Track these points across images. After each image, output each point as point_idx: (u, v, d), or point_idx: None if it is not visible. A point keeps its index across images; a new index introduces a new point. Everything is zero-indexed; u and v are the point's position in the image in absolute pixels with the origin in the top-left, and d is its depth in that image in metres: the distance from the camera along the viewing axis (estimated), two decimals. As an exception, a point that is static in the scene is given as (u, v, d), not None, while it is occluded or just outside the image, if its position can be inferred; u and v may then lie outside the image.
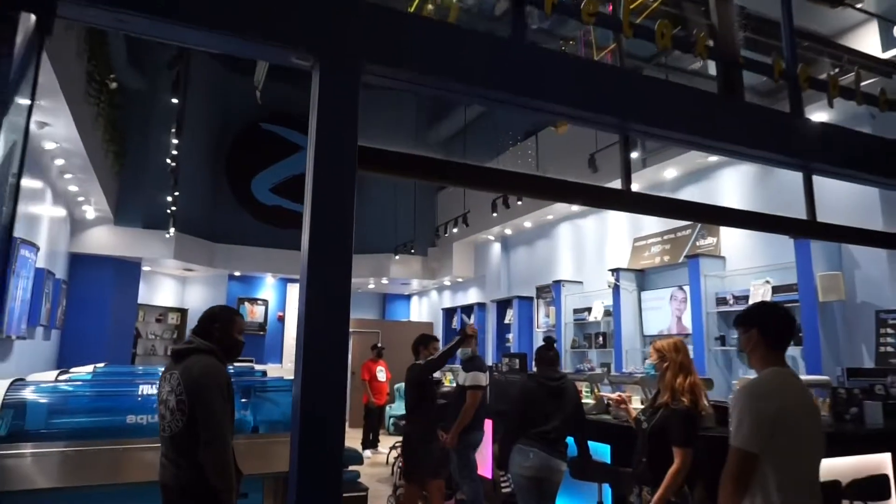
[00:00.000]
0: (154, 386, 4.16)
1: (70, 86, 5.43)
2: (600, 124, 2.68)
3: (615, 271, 7.76)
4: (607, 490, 4.47)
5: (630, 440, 4.54)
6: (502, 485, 4.24)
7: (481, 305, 11.47)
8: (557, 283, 9.00)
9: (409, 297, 15.62)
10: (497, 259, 11.20)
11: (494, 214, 8.95)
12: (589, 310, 8.54)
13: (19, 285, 6.47)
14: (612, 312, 7.82)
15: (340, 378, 2.01)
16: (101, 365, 7.30)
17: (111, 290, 10.36)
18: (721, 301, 6.44)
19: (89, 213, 9.66)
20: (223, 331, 2.94)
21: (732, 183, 6.77)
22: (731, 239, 6.68)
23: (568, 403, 4.10)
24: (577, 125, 2.60)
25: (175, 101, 9.58)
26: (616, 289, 7.71)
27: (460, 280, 12.51)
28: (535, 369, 4.30)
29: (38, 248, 7.02)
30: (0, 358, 6.41)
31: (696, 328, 6.52)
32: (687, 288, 6.94)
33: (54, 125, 5.94)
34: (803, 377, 4.29)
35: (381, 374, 10.20)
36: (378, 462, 9.01)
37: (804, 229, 3.07)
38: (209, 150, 12.27)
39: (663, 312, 7.35)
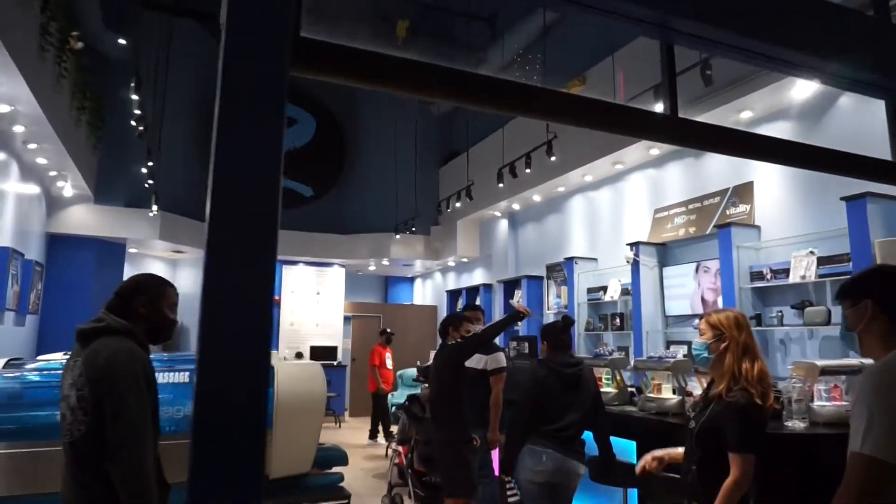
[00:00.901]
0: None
1: (9, 33, 4.73)
2: (633, 19, 1.94)
3: (634, 245, 7.04)
4: (633, 495, 3.79)
5: (660, 435, 3.85)
6: (508, 493, 3.59)
7: (487, 286, 10.79)
8: (570, 260, 8.29)
9: (412, 279, 14.95)
10: (504, 237, 10.48)
11: (501, 185, 8.22)
12: (604, 289, 7.83)
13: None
14: (631, 291, 7.10)
15: (259, 373, 1.30)
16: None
17: (93, 273, 9.73)
18: (756, 275, 5.71)
19: (66, 190, 9.00)
20: (150, 306, 2.29)
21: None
22: (767, 206, 5.93)
23: (586, 394, 3.41)
24: (598, 19, 1.78)
25: (156, 70, 8.88)
26: (635, 265, 6.99)
27: (465, 260, 11.82)
28: (543, 354, 3.60)
29: (-8, 224, 6.37)
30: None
31: (728, 306, 5.79)
32: (714, 263, 6.22)
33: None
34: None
35: (390, 360, 9.56)
36: (377, 455, 8.38)
37: (886, 172, 2.33)
38: (196, 125, 11.56)
39: (688, 289, 6.63)
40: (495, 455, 4.60)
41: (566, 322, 3.53)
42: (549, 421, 3.30)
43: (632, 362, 4.50)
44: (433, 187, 11.97)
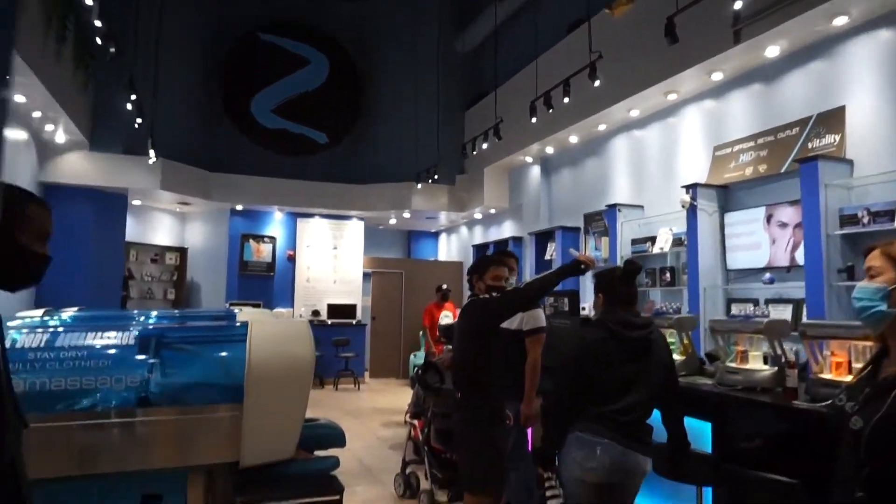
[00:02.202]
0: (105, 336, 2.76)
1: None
2: None
3: (690, 188, 6.01)
4: (708, 495, 2.92)
5: (746, 415, 2.95)
6: (548, 493, 2.76)
7: (517, 240, 9.85)
8: (612, 207, 7.29)
9: (436, 234, 14.07)
10: (536, 185, 9.48)
11: (534, 120, 7.19)
12: (652, 240, 6.84)
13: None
14: (686, 241, 6.11)
15: None
16: (73, 310, 6.03)
17: (92, 225, 9.08)
18: (848, 220, 4.68)
19: (58, 136, 8.28)
20: None
21: (864, 58, 4.89)
22: (862, 135, 4.85)
23: (656, 366, 2.51)
24: None
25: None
26: (691, 211, 5.98)
27: (493, 211, 10.87)
28: (598, 311, 2.69)
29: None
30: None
31: (812, 257, 4.80)
32: (788, 208, 5.20)
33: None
34: None
35: (447, 320, 8.70)
36: (396, 421, 7.66)
37: None
38: (201, 65, 10.68)
39: (755, 238, 5.61)
40: (531, 434, 3.76)
41: (631, 268, 2.60)
42: (604, 400, 2.42)
43: (705, 322, 3.58)
44: (458, 132, 10.95)
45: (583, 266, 2.78)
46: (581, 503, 2.43)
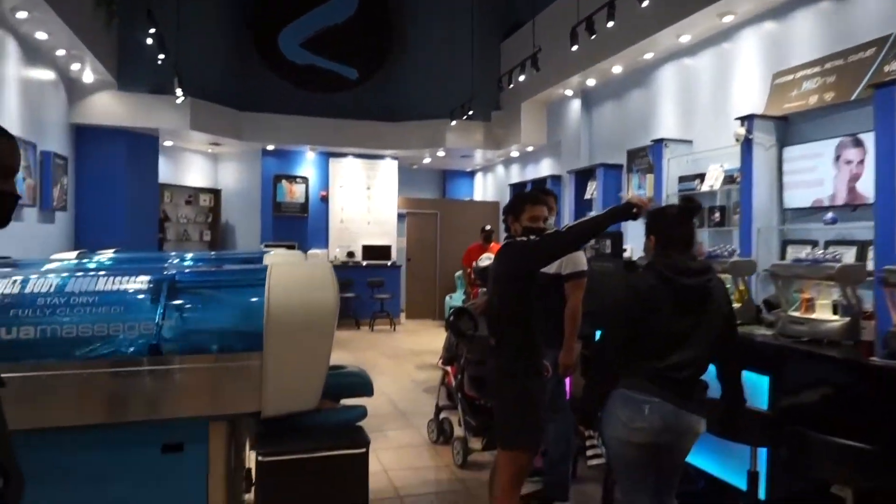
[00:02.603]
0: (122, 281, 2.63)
1: None
2: None
3: (746, 120, 5.53)
4: (764, 456, 2.69)
5: (812, 370, 2.68)
6: (589, 453, 2.58)
7: (556, 178, 9.46)
8: (658, 142, 6.83)
9: (471, 173, 13.70)
10: (576, 120, 9.00)
11: (574, 48, 6.69)
12: (701, 177, 6.40)
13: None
14: (739, 177, 5.67)
15: None
16: (110, 252, 6.03)
17: (125, 166, 9.04)
18: (928, 152, 4.19)
19: (86, 75, 8.15)
20: None
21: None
22: (950, 55, 4.29)
23: (714, 317, 2.23)
24: None
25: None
26: (746, 145, 5.52)
27: (530, 149, 10.43)
28: (649, 255, 2.41)
29: (-12, 109, 5.54)
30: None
31: (885, 194, 4.34)
32: (858, 141, 4.71)
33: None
34: None
35: (486, 261, 8.40)
36: (431, 363, 7.59)
37: None
38: (224, 5, 10.29)
39: (818, 174, 5.15)
40: (570, 383, 3.57)
41: (689, 206, 2.29)
42: (655, 355, 2.18)
43: (758, 269, 3.25)
44: (493, 65, 10.41)
45: (635, 210, 2.45)
46: (627, 463, 2.23)
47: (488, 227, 8.70)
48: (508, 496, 2.61)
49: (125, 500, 2.65)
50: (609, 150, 8.28)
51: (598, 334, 4.07)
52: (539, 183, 9.82)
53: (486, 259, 8.87)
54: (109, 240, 8.14)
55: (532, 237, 2.60)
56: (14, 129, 6.32)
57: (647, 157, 7.19)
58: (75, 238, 8.59)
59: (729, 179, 5.98)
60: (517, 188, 10.78)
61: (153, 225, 9.58)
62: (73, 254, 5.88)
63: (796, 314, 2.76)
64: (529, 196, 2.82)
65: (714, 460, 2.98)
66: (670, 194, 6.69)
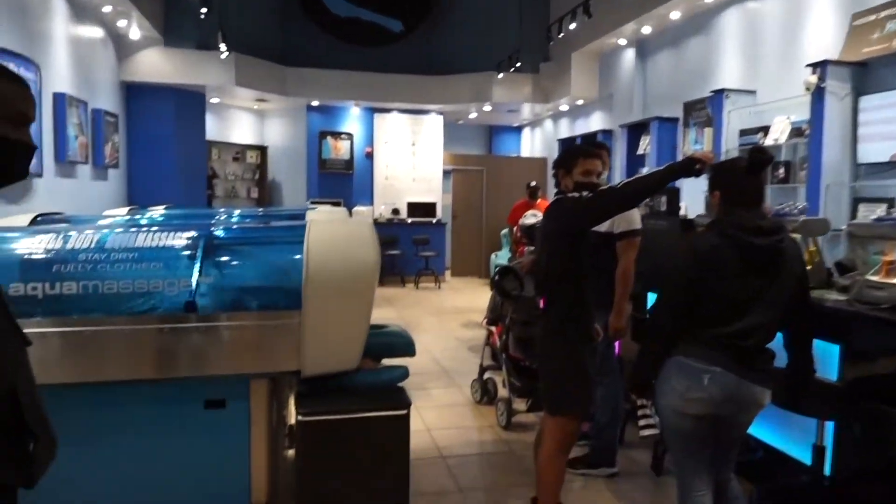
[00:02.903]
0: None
1: None
2: None
3: (818, 66, 5.10)
4: (831, 430, 2.50)
5: (879, 336, 2.45)
6: (641, 422, 2.44)
7: (607, 133, 9.09)
8: (719, 93, 6.42)
9: (518, 129, 13.34)
10: (630, 71, 8.56)
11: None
12: (764, 130, 5.99)
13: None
14: (808, 130, 5.27)
15: None
16: (160, 208, 6.13)
17: (173, 124, 9.13)
18: None
19: (133, 32, 8.16)
20: None
21: None
22: None
23: (786, 280, 2.04)
24: None
25: None
26: (818, 93, 5.10)
27: (580, 102, 10.02)
28: (714, 211, 2.21)
29: (37, 67, 5.60)
30: (14, 199, 5.27)
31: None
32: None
33: None
34: None
35: (532, 218, 8.17)
36: (476, 322, 7.52)
37: None
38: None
39: (897, 126, 4.73)
40: (619, 346, 3.42)
41: (759, 158, 2.06)
42: (718, 321, 2.01)
43: (828, 227, 2.99)
44: (542, 14, 9.95)
45: (697, 166, 2.24)
46: (682, 435, 2.10)
47: (534, 184, 8.44)
48: (554, 462, 2.52)
49: (170, 454, 2.67)
50: (664, 103, 7.87)
51: (650, 296, 3.88)
52: (589, 138, 9.46)
53: (532, 216, 8.64)
54: (160, 196, 8.31)
55: (585, 193, 2.42)
56: (65, 87, 6.40)
57: (706, 109, 6.78)
58: (128, 195, 8.79)
59: (796, 132, 5.58)
60: (566, 144, 10.45)
61: (202, 182, 9.71)
62: (124, 210, 6.01)
63: (875, 278, 2.52)
64: (582, 149, 2.63)
65: (775, 431, 2.81)
66: (730, 149, 6.31)
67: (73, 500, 2.61)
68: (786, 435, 2.75)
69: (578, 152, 2.61)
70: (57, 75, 6.26)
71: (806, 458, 2.59)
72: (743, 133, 6.28)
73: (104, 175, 7.84)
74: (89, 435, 2.62)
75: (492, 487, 3.21)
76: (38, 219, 4.30)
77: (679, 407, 2.05)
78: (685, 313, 2.04)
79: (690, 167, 2.23)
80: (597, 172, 2.61)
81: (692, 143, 7.14)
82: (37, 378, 2.35)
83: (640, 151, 8.24)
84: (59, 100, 6.21)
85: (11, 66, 5.07)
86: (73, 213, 5.56)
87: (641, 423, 2.48)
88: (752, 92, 6.35)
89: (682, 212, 5.15)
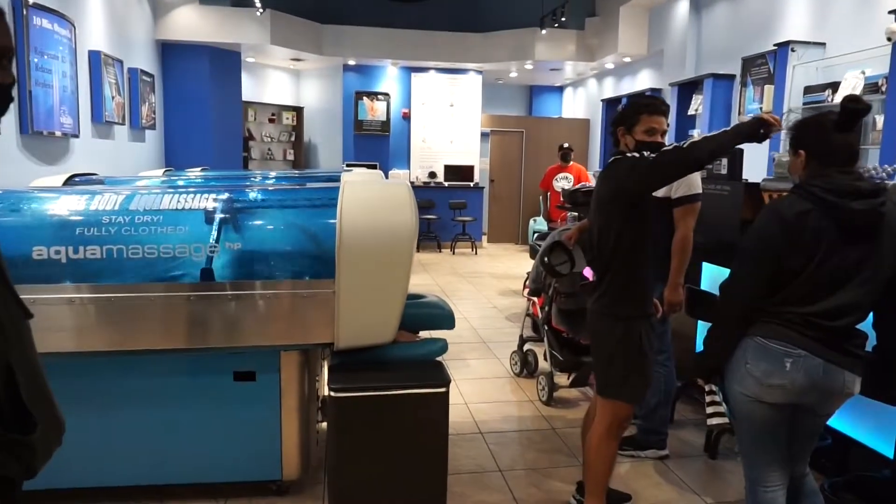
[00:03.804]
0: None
1: None
2: None
3: (901, 14, 4.61)
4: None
5: None
6: (709, 409, 2.21)
7: (655, 92, 8.60)
8: (783, 46, 5.93)
9: (560, 89, 12.85)
10: (682, 25, 8.02)
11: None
12: (833, 87, 5.52)
13: (52, 69, 5.05)
14: (887, 85, 4.81)
15: None
16: (196, 170, 6.05)
17: (209, 83, 8.99)
18: None
19: (168, -12, 7.99)
20: None
21: None
22: None
23: (888, 252, 1.76)
24: None
25: None
26: (899, 45, 4.62)
27: (627, 60, 9.51)
28: (798, 174, 1.93)
29: (72, 24, 5.48)
30: (52, 160, 5.22)
31: None
32: None
33: None
34: None
35: (564, 182, 7.86)
36: (516, 289, 7.32)
37: None
38: None
39: None
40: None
41: (854, 108, 1.76)
42: (804, 298, 1.76)
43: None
44: (590, -35, 9.42)
45: (762, 130, 1.96)
46: (757, 425, 1.87)
47: (566, 145, 8.07)
48: (604, 446, 2.32)
49: (199, 426, 2.58)
50: (719, 59, 7.36)
51: (704, 267, 3.61)
52: (635, 96, 8.98)
53: (564, 179, 8.35)
54: (196, 158, 8.25)
55: (646, 153, 2.15)
56: (101, 45, 6.29)
57: (767, 64, 6.30)
58: (165, 156, 8.75)
59: (872, 88, 5.10)
60: (611, 104, 9.98)
61: (238, 143, 9.62)
62: (160, 171, 5.93)
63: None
64: (646, 103, 2.33)
65: (850, 418, 2.55)
66: (793, 108, 5.85)
67: (101, 467, 2.55)
68: (864, 423, 2.49)
69: (641, 108, 2.32)
70: (92, 33, 6.15)
71: (887, 451, 2.34)
72: (808, 90, 5.81)
73: (141, 136, 7.79)
74: (117, 403, 2.53)
75: (533, 467, 3.04)
76: (74, 179, 4.23)
77: (755, 393, 1.82)
78: (766, 289, 1.79)
79: (756, 129, 1.96)
80: (662, 131, 2.33)
81: (749, 102, 6.67)
82: (57, 344, 2.22)
83: (690, 112, 7.79)
84: (94, 58, 6.11)
85: (45, 23, 4.99)
86: (110, 174, 5.52)
87: (709, 410, 2.26)
88: (821, 44, 5.84)
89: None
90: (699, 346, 3.48)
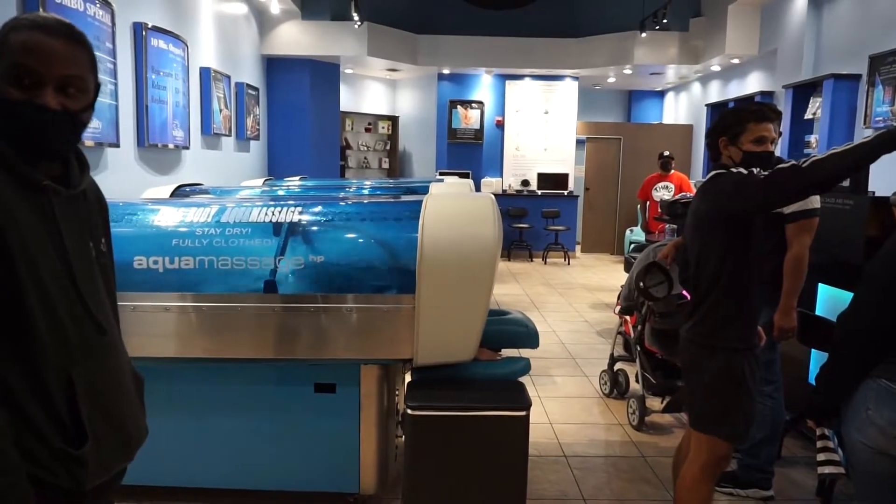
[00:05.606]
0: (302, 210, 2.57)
1: None
2: None
3: None
4: None
5: None
6: (821, 456, 1.96)
7: (767, 95, 8.01)
8: (918, 43, 5.33)
9: (661, 93, 12.30)
10: (799, 23, 7.43)
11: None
12: (980, 86, 4.88)
13: (166, 86, 5.42)
14: None
15: None
16: (295, 179, 6.32)
17: (309, 95, 9.35)
18: None
19: (273, 6, 8.39)
20: None
21: None
22: None
23: None
24: None
25: None
26: None
27: (735, 61, 8.94)
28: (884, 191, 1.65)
29: (185, 43, 5.85)
30: (164, 171, 5.60)
31: None
32: None
33: None
34: None
35: (664, 192, 7.58)
36: (611, 303, 7.03)
37: None
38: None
39: None
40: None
41: None
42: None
43: None
44: (696, -37, 8.95)
45: None
46: (876, 479, 1.63)
47: (667, 153, 7.69)
48: (697, 489, 2.12)
49: (280, 436, 2.62)
50: (842, 58, 6.74)
51: (820, 289, 3.26)
52: (743, 100, 8.42)
53: (664, 189, 7.94)
54: (296, 167, 8.60)
55: (756, 170, 1.93)
56: (211, 62, 6.69)
57: (899, 63, 5.69)
58: (268, 165, 9.18)
59: None
60: (715, 109, 9.43)
61: (335, 152, 9.93)
62: (260, 181, 6.21)
63: None
64: (753, 110, 2.09)
65: None
66: (930, 111, 5.24)
67: (189, 467, 2.64)
68: None
69: (747, 115, 2.09)
70: (203, 50, 6.55)
71: None
72: (949, 91, 5.18)
73: (246, 147, 8.21)
74: (205, 408, 2.62)
75: (619, 498, 2.86)
76: (181, 189, 4.48)
77: (878, 444, 1.58)
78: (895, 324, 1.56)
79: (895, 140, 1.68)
80: (771, 139, 2.10)
81: (877, 104, 6.05)
82: (153, 349, 2.30)
83: (807, 116, 7.18)
84: (205, 74, 6.50)
85: (161, 43, 5.35)
86: (216, 184, 5.84)
87: (821, 457, 2.01)
88: (965, 40, 5.20)
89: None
90: (811, 377, 3.15)
